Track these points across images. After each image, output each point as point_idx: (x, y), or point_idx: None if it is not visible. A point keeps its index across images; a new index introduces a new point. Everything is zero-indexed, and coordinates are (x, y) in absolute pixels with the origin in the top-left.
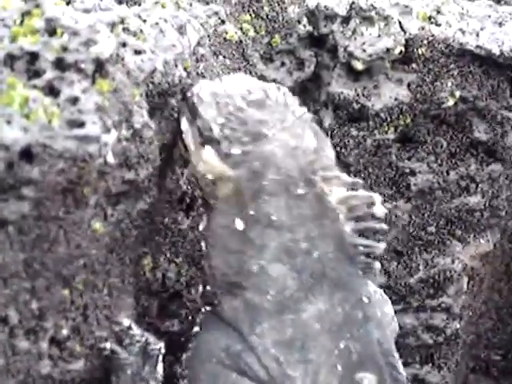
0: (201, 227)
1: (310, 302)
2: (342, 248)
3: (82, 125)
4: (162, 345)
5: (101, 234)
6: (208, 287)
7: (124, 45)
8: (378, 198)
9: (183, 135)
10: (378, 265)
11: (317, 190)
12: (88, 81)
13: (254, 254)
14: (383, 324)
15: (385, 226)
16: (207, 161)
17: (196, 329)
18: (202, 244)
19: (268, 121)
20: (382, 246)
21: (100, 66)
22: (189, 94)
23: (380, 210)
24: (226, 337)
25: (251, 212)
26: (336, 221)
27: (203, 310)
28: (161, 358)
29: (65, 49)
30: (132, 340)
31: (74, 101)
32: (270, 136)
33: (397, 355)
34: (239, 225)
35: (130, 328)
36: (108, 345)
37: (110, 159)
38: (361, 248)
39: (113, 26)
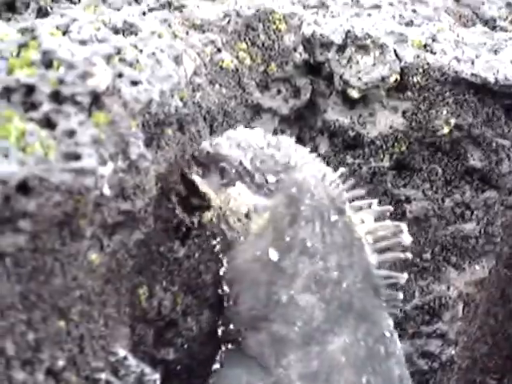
0: (221, 272)
1: (336, 334)
2: (368, 279)
3: (78, 157)
4: (157, 376)
5: (97, 264)
6: (231, 326)
7: (120, 75)
8: (404, 226)
9: (198, 187)
10: (401, 296)
11: (346, 218)
12: (84, 113)
13: (284, 283)
14: (401, 360)
15: (410, 255)
16: (239, 196)
17: (216, 366)
18: (225, 288)
19: (291, 155)
20: (405, 276)
21: (96, 99)
22: (196, 153)
23: (407, 238)
24: (247, 373)
25: (287, 239)
26: (362, 251)
27: (223, 348)
28: None
29: (61, 81)
30: (127, 371)
31: (71, 133)
32: (299, 166)
33: None
34: (273, 255)
35: (125, 358)
36: (104, 375)
37: (106, 191)
38: (386, 279)
39: (109, 57)
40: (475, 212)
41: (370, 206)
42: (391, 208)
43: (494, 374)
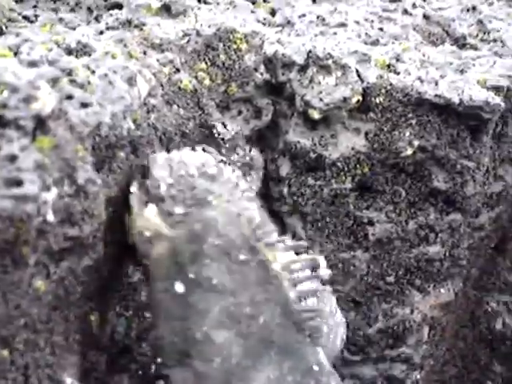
0: (142, 297)
1: (259, 371)
2: (287, 314)
3: (19, 184)
4: None
5: (43, 292)
6: (159, 359)
7: (69, 98)
8: (322, 260)
9: (130, 197)
10: (326, 328)
11: (260, 256)
12: (28, 138)
13: (196, 319)
14: None
15: (329, 288)
16: (147, 217)
17: None
18: (147, 315)
19: (216, 191)
20: (327, 308)
21: (41, 123)
22: (145, 162)
23: (325, 272)
24: None
25: (191, 275)
26: (280, 287)
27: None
28: None
29: (4, 105)
30: None
31: (12, 159)
32: (214, 205)
33: None
34: (179, 288)
35: None
36: None
37: (50, 217)
38: (307, 314)
39: (55, 80)
40: (440, 234)
41: (283, 241)
42: (305, 244)
43: None
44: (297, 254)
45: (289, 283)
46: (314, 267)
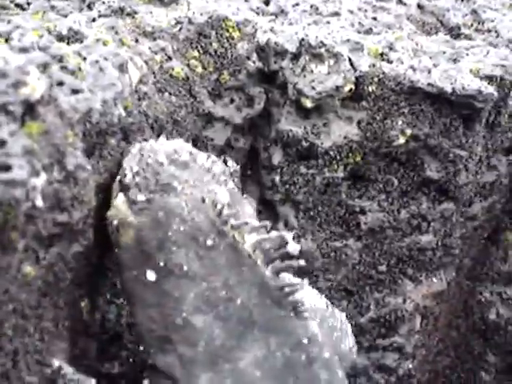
0: (118, 285)
1: (245, 350)
2: (266, 292)
3: (8, 169)
4: (94, 382)
5: (32, 277)
6: (141, 347)
7: (60, 84)
8: (289, 236)
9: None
10: (304, 300)
11: (229, 239)
12: (16, 123)
13: (174, 305)
14: (333, 364)
15: (303, 262)
16: (116, 206)
17: (146, 382)
18: (125, 302)
19: (182, 177)
20: (306, 281)
21: (30, 108)
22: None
23: (293, 247)
24: None
25: (161, 263)
26: (254, 266)
27: (145, 373)
28: None
29: None
30: (64, 380)
31: (1, 144)
32: (179, 190)
33: None
34: (151, 276)
35: (60, 368)
36: None
37: (39, 203)
38: (285, 289)
39: (45, 66)
40: (432, 224)
41: (248, 223)
42: (267, 223)
43: None
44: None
45: (262, 262)
46: (282, 244)
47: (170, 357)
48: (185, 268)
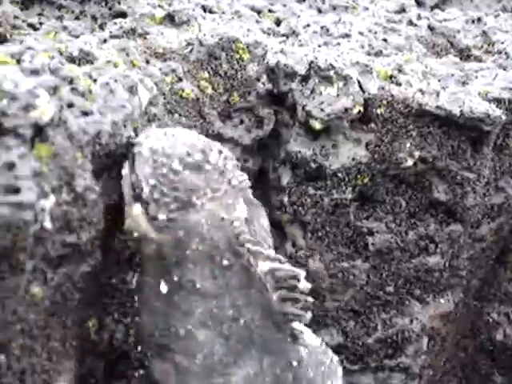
0: (134, 282)
1: (239, 367)
2: (269, 316)
3: (17, 191)
4: None
5: (40, 298)
6: (139, 348)
7: (70, 106)
8: (302, 274)
9: (122, 182)
10: (304, 330)
11: (243, 261)
12: (26, 146)
13: (180, 317)
14: (316, 382)
15: (310, 299)
16: (135, 218)
17: None
18: (135, 298)
19: (200, 189)
20: (309, 315)
21: (39, 131)
22: (134, 141)
23: (304, 285)
24: None
25: (175, 278)
26: (263, 290)
27: (136, 374)
28: None
29: (3, 113)
30: None
31: (10, 167)
32: (199, 206)
33: None
34: (163, 288)
35: None
36: None
37: (48, 224)
38: (289, 316)
39: (55, 89)
40: (440, 245)
41: (264, 251)
42: (284, 259)
43: None
44: None
45: (271, 287)
46: (295, 278)
47: (166, 364)
48: (197, 285)
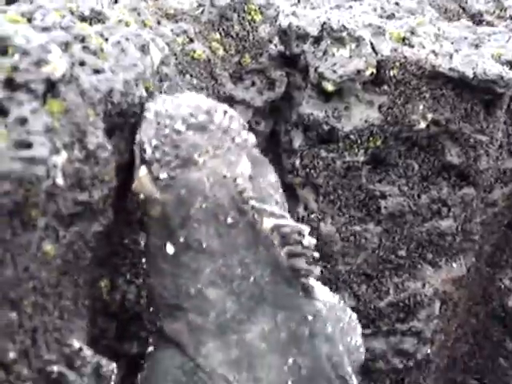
0: (142, 244)
1: (253, 323)
2: (278, 272)
3: (29, 146)
4: (114, 365)
5: (52, 256)
6: (151, 308)
7: (82, 64)
8: (306, 229)
9: (134, 147)
10: (314, 283)
11: (248, 218)
12: (38, 101)
13: (189, 277)
14: (334, 338)
15: (316, 254)
16: (140, 180)
17: (150, 349)
18: (143, 260)
19: (202, 146)
20: (317, 270)
21: (51, 87)
22: (145, 107)
23: (309, 240)
24: (179, 354)
25: (181, 239)
26: (271, 247)
27: (150, 340)
28: (114, 378)
29: (15, 68)
30: (83, 362)
31: (23, 122)
32: (200, 163)
33: (349, 369)
34: (170, 249)
35: (80, 350)
36: (56, 368)
37: (60, 181)
38: (297, 271)
39: (67, 45)
40: (452, 209)
41: (266, 210)
42: (287, 215)
43: (475, 373)
44: None
45: (278, 243)
46: (299, 234)
47: (178, 323)
48: (204, 245)
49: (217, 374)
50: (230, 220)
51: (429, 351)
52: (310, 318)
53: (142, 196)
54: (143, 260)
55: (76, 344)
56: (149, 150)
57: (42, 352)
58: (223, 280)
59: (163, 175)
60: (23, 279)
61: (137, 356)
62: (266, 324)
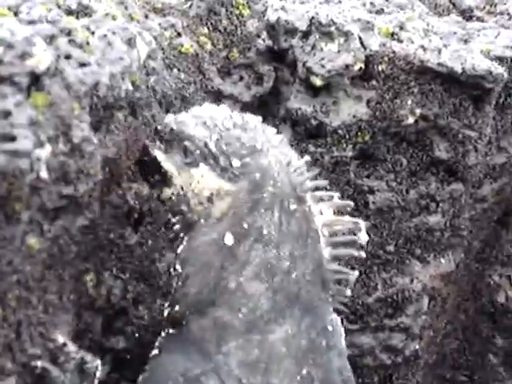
0: (179, 250)
1: (279, 324)
2: (318, 272)
3: (13, 139)
4: (98, 362)
5: (37, 250)
6: (177, 307)
7: (68, 57)
8: (363, 224)
9: (161, 164)
10: (349, 292)
11: (305, 207)
12: (22, 94)
13: (235, 269)
14: (344, 353)
15: (364, 255)
16: (202, 179)
17: (155, 351)
18: (177, 267)
19: (258, 138)
20: (356, 273)
21: (36, 80)
22: (160, 127)
23: (364, 237)
24: (186, 360)
25: (245, 225)
26: (316, 242)
27: (164, 332)
28: (98, 375)
29: None
30: (67, 357)
31: (6, 115)
32: (265, 150)
33: None
34: (229, 240)
35: (64, 345)
36: (39, 363)
37: (44, 174)
38: (336, 274)
39: (52, 38)
40: (440, 204)
41: (331, 198)
42: (352, 203)
43: (465, 370)
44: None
45: (325, 242)
46: (355, 231)
47: (205, 319)
48: (264, 232)
49: (232, 376)
50: (292, 207)
51: (417, 347)
52: (329, 328)
53: (205, 193)
54: (177, 265)
55: (60, 339)
56: (212, 145)
57: (27, 346)
58: (267, 273)
59: (236, 163)
60: (7, 273)
61: (122, 351)
62: (291, 327)
